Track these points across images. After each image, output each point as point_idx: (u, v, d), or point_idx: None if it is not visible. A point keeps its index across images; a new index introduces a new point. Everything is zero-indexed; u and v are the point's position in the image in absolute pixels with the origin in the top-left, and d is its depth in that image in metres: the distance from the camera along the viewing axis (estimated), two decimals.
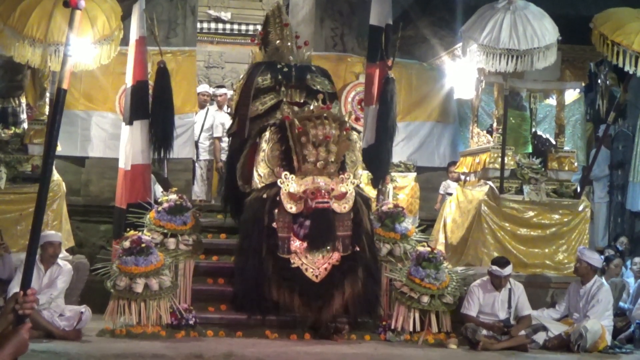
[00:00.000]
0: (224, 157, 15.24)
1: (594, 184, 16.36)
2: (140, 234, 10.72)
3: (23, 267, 3.99)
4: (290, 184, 10.47)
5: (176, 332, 10.40)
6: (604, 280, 11.38)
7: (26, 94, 12.62)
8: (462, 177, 13.84)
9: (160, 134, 11.97)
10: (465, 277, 11.39)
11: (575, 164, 13.20)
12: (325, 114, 10.56)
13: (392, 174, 14.21)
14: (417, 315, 10.82)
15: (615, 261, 12.94)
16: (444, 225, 13.41)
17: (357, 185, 10.91)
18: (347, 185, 10.60)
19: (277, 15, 12.48)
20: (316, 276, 10.41)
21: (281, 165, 10.67)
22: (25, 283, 3.86)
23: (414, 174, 15.13)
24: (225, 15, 19.36)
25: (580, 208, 12.48)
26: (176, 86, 12.94)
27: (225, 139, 15.11)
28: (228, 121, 15.19)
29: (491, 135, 12.89)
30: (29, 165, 11.88)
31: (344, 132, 10.68)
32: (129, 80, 12.03)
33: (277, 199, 10.49)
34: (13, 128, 12.29)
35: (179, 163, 14.56)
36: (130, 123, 11.87)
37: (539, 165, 12.75)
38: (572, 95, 15.04)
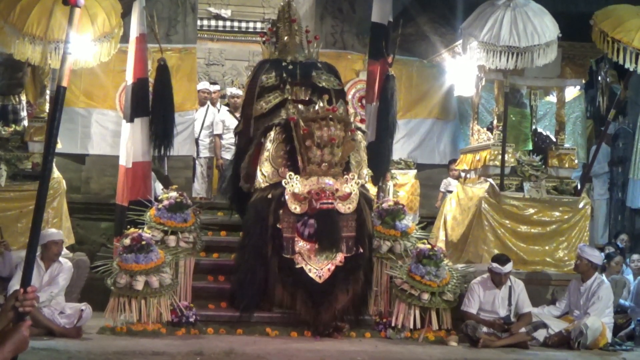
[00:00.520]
0: (224, 154, 15.24)
1: (593, 181, 16.37)
2: (140, 231, 10.72)
3: (23, 265, 4.00)
4: (294, 184, 10.47)
5: (176, 329, 10.39)
6: (604, 277, 11.37)
7: (26, 91, 12.63)
8: (463, 174, 13.84)
9: (161, 131, 11.97)
10: (465, 275, 11.39)
11: (576, 161, 13.20)
12: (330, 115, 10.54)
13: (393, 171, 14.23)
14: (417, 312, 10.81)
15: (616, 259, 12.93)
16: (445, 223, 13.42)
17: (362, 185, 10.91)
18: (351, 185, 10.60)
19: (286, 11, 12.49)
20: (320, 277, 10.42)
21: (286, 166, 10.67)
22: (26, 281, 3.87)
23: (414, 171, 15.14)
24: (226, 12, 19.34)
25: (581, 205, 12.49)
26: (176, 84, 12.95)
27: (225, 137, 15.13)
28: (228, 118, 15.21)
29: (491, 133, 12.90)
30: (29, 162, 11.88)
31: (349, 134, 10.67)
32: (129, 78, 12.02)
33: (282, 199, 10.49)
34: (13, 125, 12.29)
35: (179, 160, 14.56)
36: (131, 120, 11.86)
37: (539, 163, 12.75)
38: (572, 92, 15.09)
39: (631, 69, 11.85)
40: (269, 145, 10.88)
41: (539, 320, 10.92)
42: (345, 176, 10.62)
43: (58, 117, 4.02)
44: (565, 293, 11.39)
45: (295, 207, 10.46)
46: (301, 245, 10.47)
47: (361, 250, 10.62)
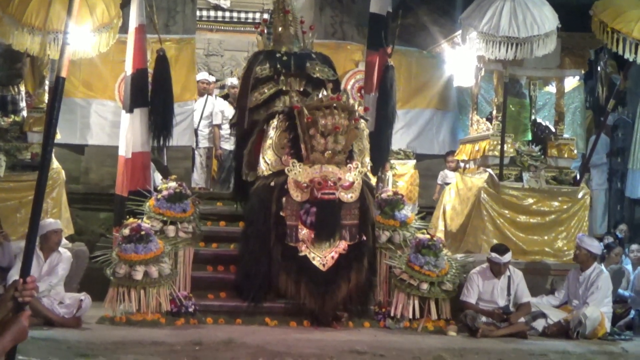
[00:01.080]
0: (223, 144, 15.25)
1: (592, 172, 16.36)
2: (139, 221, 10.72)
3: (22, 255, 4.00)
4: (297, 172, 10.48)
5: (176, 319, 10.40)
6: (603, 267, 11.39)
7: (25, 82, 12.62)
8: (462, 164, 13.84)
9: (160, 121, 11.97)
10: (464, 265, 11.40)
11: (575, 151, 13.21)
12: (334, 104, 10.54)
13: (392, 161, 14.22)
14: (416, 302, 10.82)
15: (616, 250, 12.96)
16: (444, 213, 13.43)
17: (364, 174, 10.93)
18: (354, 174, 10.61)
19: (280, 2, 12.48)
20: (323, 265, 10.45)
21: (289, 154, 10.68)
22: (25, 271, 3.87)
23: (413, 162, 15.15)
24: (225, 3, 19.33)
25: (580, 195, 12.50)
26: (175, 74, 12.94)
27: (224, 127, 15.14)
28: (227, 109, 15.22)
29: (491, 123, 12.89)
30: (29, 153, 11.88)
31: (353, 122, 10.68)
32: (128, 68, 12.00)
33: (285, 187, 10.51)
34: (12, 116, 12.29)
35: (179, 151, 14.57)
36: (130, 111, 11.85)
37: (539, 153, 12.75)
38: (571, 82, 15.08)
39: (631, 60, 11.84)
40: (271, 133, 10.90)
41: (538, 310, 10.93)
42: (349, 165, 10.64)
43: (57, 108, 4.02)
44: (564, 283, 11.40)
45: (298, 195, 10.48)
46: (304, 233, 10.49)
47: (364, 238, 10.64)
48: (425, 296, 10.82)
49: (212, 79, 16.21)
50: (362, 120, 11.16)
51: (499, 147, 12.32)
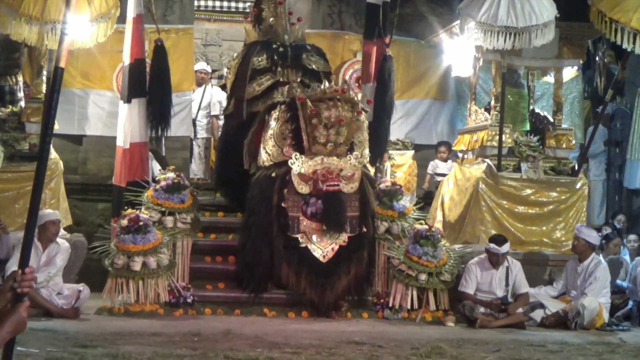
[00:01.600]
0: None
1: (589, 162, 16.37)
2: (138, 212, 10.72)
3: (21, 246, 4.00)
4: (300, 164, 10.48)
5: (174, 310, 10.42)
6: (601, 257, 11.39)
7: (23, 72, 12.62)
8: (460, 154, 13.84)
9: (158, 112, 11.97)
10: (462, 255, 11.41)
11: (573, 141, 13.24)
12: (338, 96, 10.54)
13: (390, 151, 14.20)
14: (414, 293, 10.83)
15: (614, 240, 12.98)
16: (442, 203, 13.43)
17: (364, 165, 10.93)
18: (355, 165, 10.62)
19: None
20: (323, 256, 10.49)
21: (290, 145, 10.69)
22: (24, 262, 3.86)
23: (411, 152, 15.13)
24: None
25: (578, 186, 12.50)
26: (173, 64, 12.91)
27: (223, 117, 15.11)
28: (225, 99, 15.17)
29: (489, 113, 12.89)
30: (27, 143, 11.87)
31: (355, 114, 10.69)
32: (126, 59, 11.99)
33: (287, 178, 10.53)
34: (10, 106, 12.29)
35: (177, 141, 14.57)
36: (128, 101, 11.85)
37: (537, 143, 12.77)
38: (570, 72, 15.06)
39: (629, 49, 11.83)
40: (273, 123, 10.90)
41: (536, 301, 10.94)
42: (349, 156, 10.65)
43: (56, 98, 4.01)
44: (562, 273, 11.41)
45: (302, 187, 10.51)
46: (306, 224, 10.52)
47: (364, 229, 10.65)
48: (423, 287, 10.83)
49: (210, 69, 16.18)
50: (363, 113, 11.17)
51: (497, 137, 12.32)
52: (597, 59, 16.68)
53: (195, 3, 17.03)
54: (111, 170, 12.59)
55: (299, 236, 10.52)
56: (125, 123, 11.86)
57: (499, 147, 12.30)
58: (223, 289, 11.03)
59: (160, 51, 12.10)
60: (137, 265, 10.30)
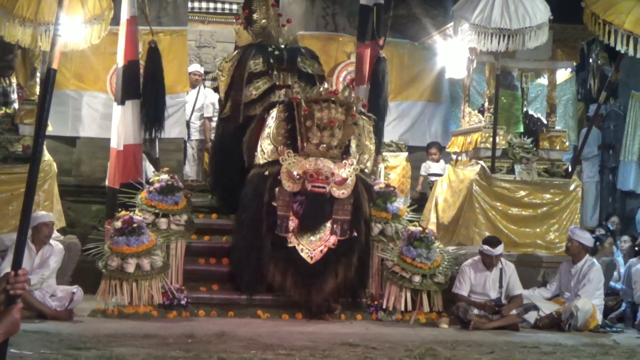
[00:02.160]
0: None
1: (582, 164, 16.39)
2: (131, 214, 10.71)
3: (14, 248, 3.99)
4: (291, 162, 10.48)
5: (168, 312, 10.41)
6: (595, 259, 11.40)
7: (17, 73, 12.59)
8: (454, 156, 13.84)
9: (152, 113, 11.99)
10: (456, 257, 11.41)
11: (567, 143, 13.25)
12: (332, 98, 10.55)
13: (384, 153, 14.21)
14: (408, 294, 10.83)
15: (608, 240, 12.98)
16: (436, 205, 13.44)
17: (361, 171, 10.91)
18: (348, 171, 10.61)
19: None
20: (311, 258, 10.46)
21: (285, 144, 10.70)
22: (17, 263, 3.86)
23: (405, 154, 15.12)
24: None
25: (572, 187, 12.52)
26: (167, 66, 12.91)
27: (216, 119, 15.09)
28: (218, 101, 15.16)
29: (483, 115, 12.91)
30: (20, 145, 11.86)
31: (350, 118, 10.68)
32: (120, 60, 11.99)
33: (278, 177, 10.54)
34: (4, 108, 12.28)
35: (171, 143, 14.54)
36: (122, 103, 11.85)
37: (531, 145, 12.77)
38: (563, 74, 15.10)
39: (622, 51, 11.85)
40: (270, 122, 10.95)
41: (530, 303, 10.96)
42: (344, 161, 10.64)
43: (49, 100, 4.01)
44: (556, 275, 11.43)
45: (290, 186, 10.51)
46: (295, 224, 10.51)
47: (355, 234, 10.64)
48: (417, 288, 10.83)
49: (203, 70, 16.17)
50: (363, 117, 11.17)
51: (491, 139, 12.33)
52: (590, 61, 16.73)
53: (189, 5, 17.04)
54: (105, 172, 12.59)
55: (287, 236, 10.52)
56: (119, 125, 11.86)
57: (492, 149, 12.30)
58: (217, 291, 11.03)
59: (154, 53, 12.12)
60: (130, 267, 10.29)
